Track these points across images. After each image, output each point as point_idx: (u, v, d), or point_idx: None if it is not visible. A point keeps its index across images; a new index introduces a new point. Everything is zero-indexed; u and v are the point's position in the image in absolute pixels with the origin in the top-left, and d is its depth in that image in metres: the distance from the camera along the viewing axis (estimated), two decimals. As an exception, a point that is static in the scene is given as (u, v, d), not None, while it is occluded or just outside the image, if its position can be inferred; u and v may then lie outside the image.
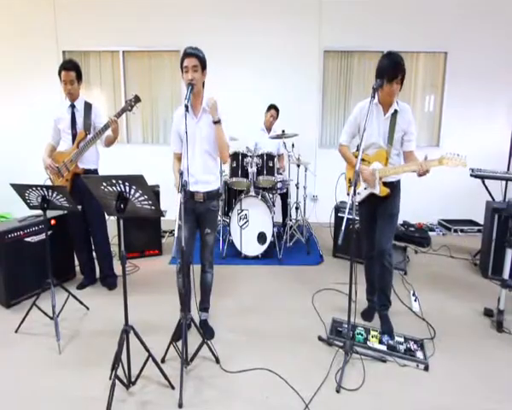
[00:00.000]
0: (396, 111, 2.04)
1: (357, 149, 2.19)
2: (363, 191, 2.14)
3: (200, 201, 1.99)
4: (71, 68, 2.44)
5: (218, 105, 1.90)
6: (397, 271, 3.00)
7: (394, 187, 2.11)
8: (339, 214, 3.36)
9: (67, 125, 2.52)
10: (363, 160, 2.11)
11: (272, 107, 3.81)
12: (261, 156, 3.31)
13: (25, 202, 2.08)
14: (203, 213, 2.03)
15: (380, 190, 2.06)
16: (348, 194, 2.13)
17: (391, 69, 1.92)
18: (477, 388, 1.75)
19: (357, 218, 3.25)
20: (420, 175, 1.94)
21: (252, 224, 3.24)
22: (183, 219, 1.69)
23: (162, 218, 3.21)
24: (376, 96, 2.05)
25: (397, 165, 2.08)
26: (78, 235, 2.70)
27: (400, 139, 2.08)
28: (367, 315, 2.33)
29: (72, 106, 2.53)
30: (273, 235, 3.22)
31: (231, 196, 3.68)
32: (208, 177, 2.00)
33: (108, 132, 2.51)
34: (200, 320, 2.19)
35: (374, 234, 2.20)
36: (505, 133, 4.33)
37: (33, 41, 4.37)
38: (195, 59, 1.83)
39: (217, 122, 1.91)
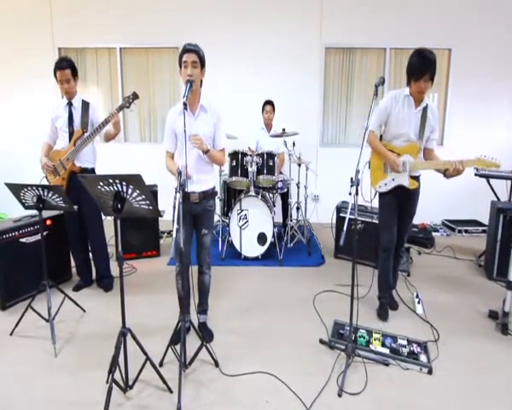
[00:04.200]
0: (427, 105, 2.08)
1: (380, 139, 2.23)
2: (390, 182, 2.15)
3: (195, 201, 1.96)
4: (66, 67, 2.40)
5: (201, 137, 1.85)
6: (400, 272, 2.96)
7: (418, 182, 2.15)
8: (340, 215, 3.32)
9: (64, 124, 2.50)
10: (391, 151, 2.12)
11: (266, 103, 3.77)
12: (261, 155, 3.27)
13: (20, 202, 2.05)
14: (199, 213, 2.01)
15: (409, 183, 2.10)
16: (379, 186, 2.17)
17: (418, 68, 1.96)
18: (481, 391, 1.72)
19: (360, 218, 3.22)
20: (450, 176, 1.97)
21: (252, 224, 3.20)
22: (181, 219, 1.65)
23: (160, 218, 3.17)
24: (408, 89, 2.09)
25: (427, 161, 2.12)
26: (74, 235, 2.67)
27: (427, 136, 2.11)
28: (383, 312, 2.30)
29: (70, 104, 2.50)
30: (273, 235, 3.19)
31: (231, 195, 3.64)
32: (204, 176, 1.98)
33: (108, 128, 2.48)
34: (199, 323, 2.16)
35: (395, 224, 2.22)
36: (510, 132, 4.28)
37: (28, 38, 4.33)
38: (195, 55, 1.82)
39: (206, 152, 1.89)
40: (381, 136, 2.23)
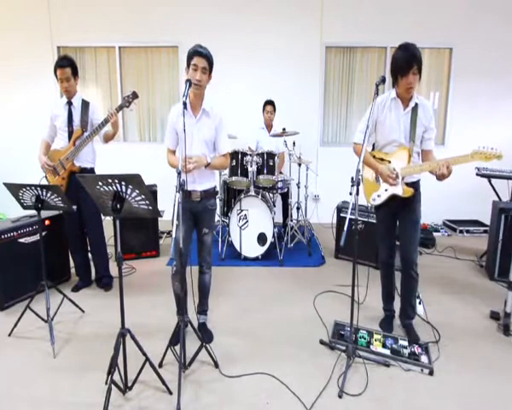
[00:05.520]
0: (416, 105, 1.93)
1: (373, 149, 2.12)
2: (383, 193, 2.01)
3: (197, 200, 1.95)
4: (66, 65, 2.39)
5: (195, 159, 1.83)
6: (398, 272, 2.94)
7: (416, 189, 1.99)
8: (341, 215, 3.31)
9: (64, 123, 2.48)
10: (382, 159, 2.00)
11: (267, 103, 3.75)
12: (261, 155, 3.26)
13: (18, 202, 2.04)
14: (200, 212, 2.00)
15: (403, 191, 1.95)
16: (373, 199, 2.04)
17: (404, 61, 1.83)
18: (483, 393, 1.70)
19: (360, 218, 3.20)
20: (442, 177, 1.80)
21: (252, 224, 3.19)
22: (180, 219, 1.64)
23: (160, 218, 3.16)
24: (394, 91, 1.96)
25: (420, 163, 1.96)
26: (73, 235, 2.66)
27: (420, 136, 1.97)
28: (386, 325, 2.19)
29: (69, 103, 2.49)
30: (273, 236, 3.17)
31: (231, 195, 3.62)
32: (205, 175, 1.97)
33: (107, 128, 2.47)
34: (199, 323, 2.14)
35: (392, 240, 2.11)
36: (512, 131, 4.27)
37: (27, 37, 4.31)
38: (206, 61, 1.80)
39: (207, 166, 1.91)
40: (373, 146, 2.12)
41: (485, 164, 3.24)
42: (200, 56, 1.78)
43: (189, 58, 1.81)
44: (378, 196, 2.04)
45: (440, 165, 1.80)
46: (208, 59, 1.80)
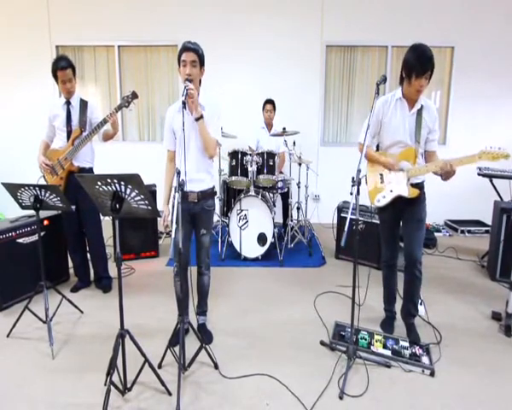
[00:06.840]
0: (422, 106, 1.92)
1: (377, 150, 2.09)
2: (388, 194, 1.98)
3: (194, 201, 1.93)
4: (67, 66, 2.39)
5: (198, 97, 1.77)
6: (401, 273, 2.93)
7: (420, 189, 1.97)
8: (341, 215, 3.30)
9: (62, 123, 2.47)
10: None
11: (267, 102, 3.74)
12: (261, 155, 3.24)
13: (17, 202, 2.03)
14: (198, 213, 1.98)
15: (409, 192, 1.93)
16: (378, 200, 2.01)
17: (421, 63, 1.79)
18: (484, 394, 1.69)
19: (361, 219, 3.19)
20: (447, 177, 1.80)
21: (252, 224, 3.18)
22: (180, 219, 1.63)
23: (159, 218, 3.16)
24: (400, 91, 1.93)
25: (425, 164, 1.94)
26: (72, 236, 2.65)
27: (425, 138, 1.96)
28: (387, 326, 2.18)
29: (68, 103, 2.48)
30: (274, 236, 3.16)
31: (230, 195, 3.61)
32: (203, 175, 1.95)
33: (106, 127, 2.47)
34: (198, 324, 2.13)
35: (396, 241, 2.10)
36: (513, 131, 4.25)
37: (25, 35, 4.29)
38: (194, 54, 1.79)
39: (199, 118, 1.80)
40: (377, 147, 2.10)
41: (488, 164, 3.23)
42: (188, 51, 1.78)
43: (179, 57, 1.81)
44: (383, 197, 2.01)
45: (446, 164, 1.80)
46: (196, 51, 1.79)
